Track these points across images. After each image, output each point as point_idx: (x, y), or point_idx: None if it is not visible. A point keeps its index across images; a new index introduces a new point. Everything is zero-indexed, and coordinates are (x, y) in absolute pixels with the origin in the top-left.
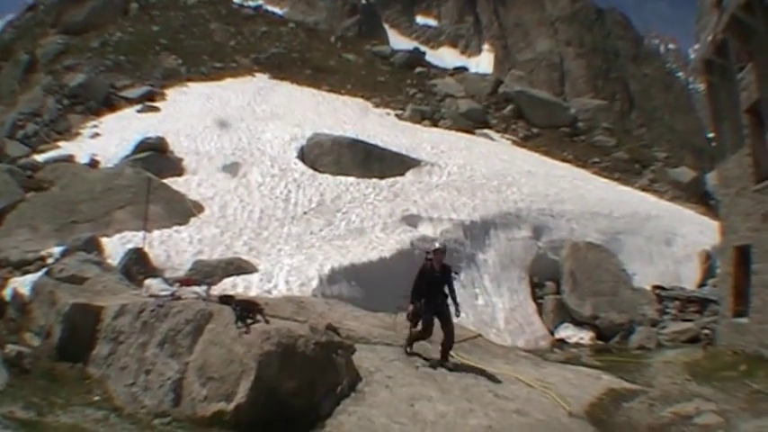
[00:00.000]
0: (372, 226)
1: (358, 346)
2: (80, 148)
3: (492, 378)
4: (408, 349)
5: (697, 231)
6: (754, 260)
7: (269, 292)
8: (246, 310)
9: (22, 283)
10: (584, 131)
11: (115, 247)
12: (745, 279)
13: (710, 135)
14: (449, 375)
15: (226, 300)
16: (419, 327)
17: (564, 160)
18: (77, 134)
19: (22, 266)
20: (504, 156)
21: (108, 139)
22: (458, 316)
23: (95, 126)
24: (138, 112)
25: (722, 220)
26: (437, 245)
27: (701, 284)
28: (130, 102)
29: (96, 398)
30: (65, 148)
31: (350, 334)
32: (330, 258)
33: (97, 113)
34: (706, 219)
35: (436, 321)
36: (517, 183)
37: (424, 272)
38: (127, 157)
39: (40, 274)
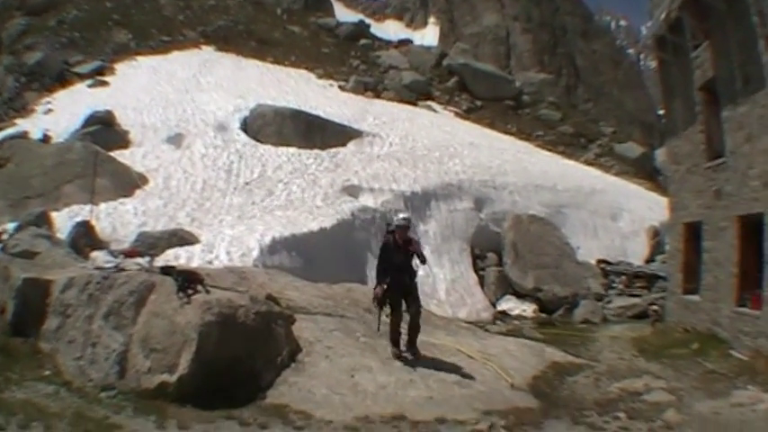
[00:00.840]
0: (313, 196)
1: (298, 317)
2: (34, 124)
3: (433, 349)
4: (396, 351)
5: (645, 207)
6: (706, 237)
7: (210, 262)
8: (187, 280)
9: None
10: (529, 105)
11: (64, 220)
12: (696, 256)
13: (661, 112)
14: (389, 347)
15: (167, 270)
16: (388, 312)
17: (507, 133)
18: (32, 111)
19: None
20: (447, 127)
21: (60, 115)
22: (422, 263)
23: (49, 102)
24: (89, 86)
25: (671, 196)
26: (401, 217)
27: (650, 260)
28: (82, 77)
29: (47, 372)
30: (21, 125)
31: (290, 304)
32: (271, 229)
33: (51, 90)
34: (654, 195)
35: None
36: (459, 154)
37: (386, 248)
38: (77, 131)
39: None
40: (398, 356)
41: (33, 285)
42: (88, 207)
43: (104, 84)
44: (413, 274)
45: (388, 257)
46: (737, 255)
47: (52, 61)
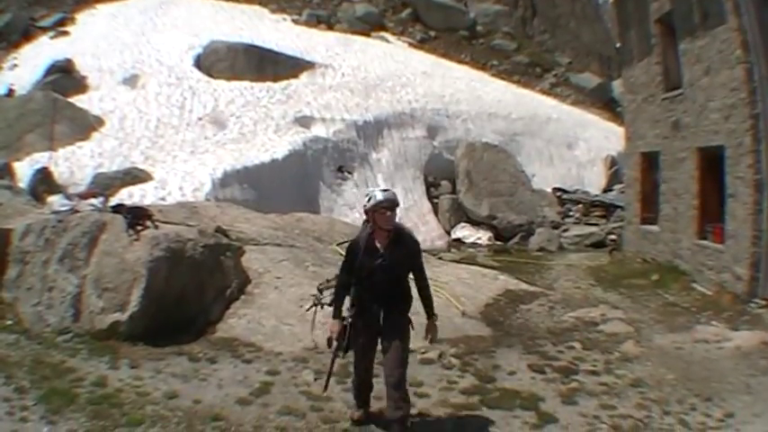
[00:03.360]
0: (265, 128)
1: (248, 248)
2: (1, 81)
3: None
4: (359, 413)
5: (601, 136)
6: (664, 168)
7: (163, 199)
8: (136, 217)
9: None
10: (484, 36)
11: (25, 169)
12: (653, 186)
13: (618, 46)
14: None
15: (118, 209)
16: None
17: (462, 63)
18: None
19: None
20: (400, 58)
21: (24, 69)
22: (431, 341)
23: (15, 58)
24: (51, 38)
25: (627, 125)
26: (380, 195)
27: (607, 190)
28: (45, 30)
29: (9, 322)
30: None
31: (240, 236)
32: (223, 162)
33: (17, 46)
34: (611, 125)
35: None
36: (412, 84)
37: (357, 248)
38: (38, 82)
39: None
40: (361, 422)
41: None
42: (48, 154)
43: (65, 34)
44: (403, 302)
45: (357, 266)
46: (697, 186)
47: (19, 20)
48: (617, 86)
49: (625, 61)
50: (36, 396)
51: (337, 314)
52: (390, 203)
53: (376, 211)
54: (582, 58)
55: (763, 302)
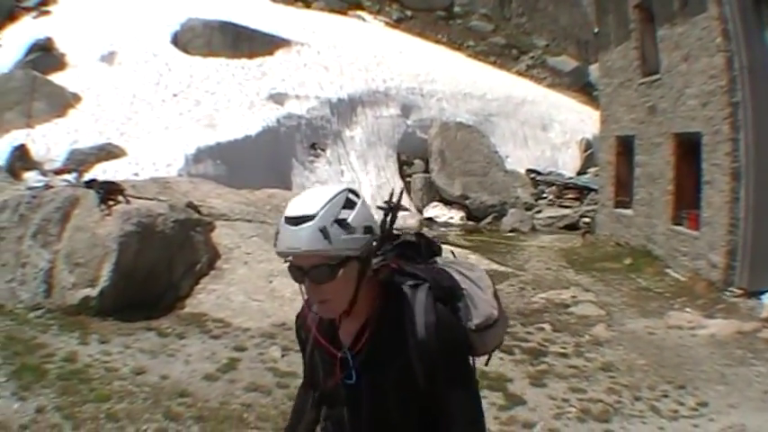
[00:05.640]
0: (239, 105)
1: (218, 224)
2: None
3: None
4: None
5: (577, 119)
6: (639, 152)
7: (137, 174)
8: (109, 192)
9: None
10: (461, 16)
11: (3, 147)
12: (628, 170)
13: (595, 30)
14: None
15: (90, 184)
16: None
17: (438, 43)
18: None
19: None
20: (376, 36)
21: (7, 49)
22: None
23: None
24: (33, 18)
25: (603, 109)
26: (282, 230)
27: (581, 173)
28: (29, 10)
29: None
30: None
31: (211, 211)
32: (197, 138)
33: (1, 27)
34: (587, 108)
35: None
36: (387, 62)
37: (301, 334)
38: (19, 61)
39: None
40: None
41: None
42: (25, 131)
43: (47, 13)
44: None
45: (309, 377)
46: (673, 172)
47: (4, 1)
48: (593, 71)
49: (602, 45)
50: (7, 372)
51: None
52: (296, 250)
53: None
54: (559, 42)
55: (740, 291)
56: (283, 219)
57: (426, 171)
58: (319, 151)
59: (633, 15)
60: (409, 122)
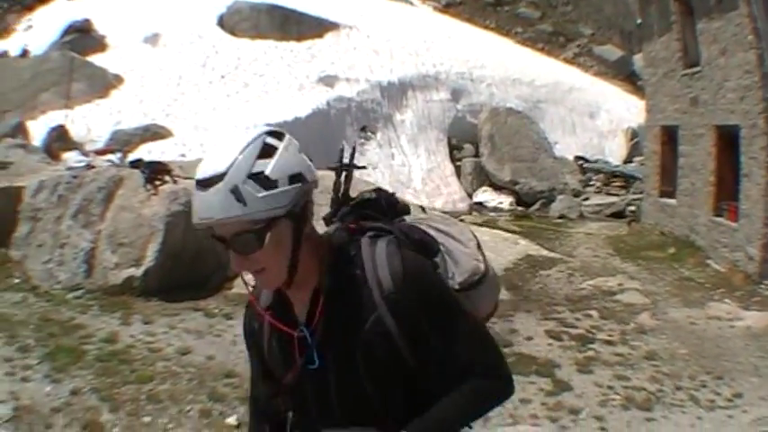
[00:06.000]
0: (288, 87)
1: None
2: (15, 43)
3: None
4: None
5: (623, 108)
6: (682, 142)
7: (184, 155)
8: (155, 171)
9: None
10: (509, 3)
11: (40, 128)
12: (672, 159)
13: (639, 21)
14: None
15: (136, 164)
16: None
17: (486, 29)
18: (13, 31)
19: None
20: (424, 21)
21: (39, 30)
22: None
23: (29, 20)
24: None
25: (648, 99)
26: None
27: (627, 161)
28: None
29: (16, 280)
30: (1, 46)
31: None
32: (245, 119)
33: (31, 9)
34: (632, 97)
35: None
36: (436, 47)
37: (248, 318)
38: (55, 42)
39: None
40: None
41: (4, 195)
42: (64, 112)
43: None
44: None
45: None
46: (714, 163)
47: None
48: (638, 60)
49: (645, 36)
50: (40, 354)
51: None
52: (209, 219)
53: None
54: (604, 31)
55: None
56: (195, 182)
57: (476, 156)
58: (369, 134)
59: (674, 8)
60: (459, 107)
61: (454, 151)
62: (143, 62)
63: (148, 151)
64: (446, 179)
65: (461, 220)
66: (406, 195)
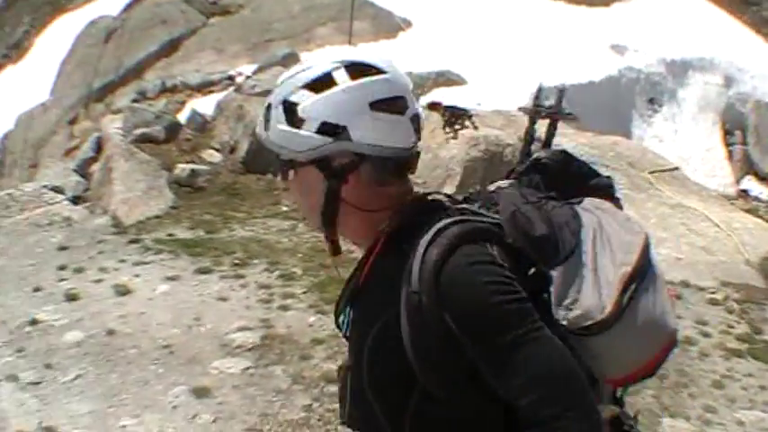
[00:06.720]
0: (581, 51)
1: None
2: None
3: (686, 212)
4: None
5: None
6: None
7: (479, 104)
8: (455, 116)
9: (203, 104)
10: (756, 3)
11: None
12: None
13: None
14: (648, 202)
15: (434, 106)
16: None
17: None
18: None
19: (204, 88)
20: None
21: None
22: None
23: None
24: None
25: None
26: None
27: None
28: None
29: (284, 208)
30: None
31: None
32: (541, 76)
33: None
34: None
35: None
36: (709, 31)
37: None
38: None
39: (226, 93)
40: None
41: None
42: (344, 48)
43: None
44: None
45: None
46: None
47: None
48: None
49: None
50: (307, 284)
51: None
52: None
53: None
54: None
55: None
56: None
57: (743, 143)
58: (656, 107)
59: None
60: (730, 93)
61: (726, 136)
62: (434, 6)
63: (441, 97)
64: (720, 162)
65: (732, 204)
66: (686, 171)
